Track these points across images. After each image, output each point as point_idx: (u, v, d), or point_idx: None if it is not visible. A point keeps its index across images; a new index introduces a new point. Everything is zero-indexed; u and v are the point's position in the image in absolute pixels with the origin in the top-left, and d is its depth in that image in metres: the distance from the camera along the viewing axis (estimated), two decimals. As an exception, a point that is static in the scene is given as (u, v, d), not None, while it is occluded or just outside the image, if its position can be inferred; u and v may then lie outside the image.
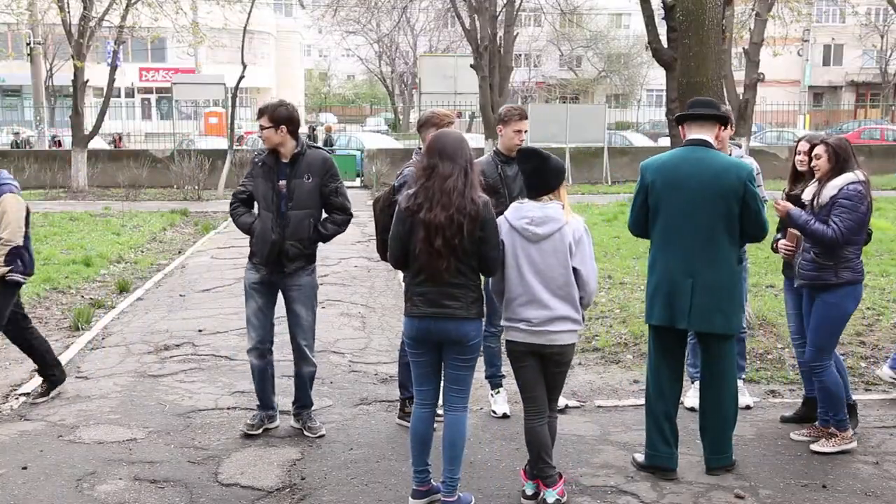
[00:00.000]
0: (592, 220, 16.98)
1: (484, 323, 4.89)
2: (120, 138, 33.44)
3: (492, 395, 6.44)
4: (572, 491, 5.05)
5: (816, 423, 5.83)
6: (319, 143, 28.31)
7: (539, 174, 4.78)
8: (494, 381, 6.44)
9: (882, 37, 50.80)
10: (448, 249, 4.50)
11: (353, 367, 7.55)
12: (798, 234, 5.75)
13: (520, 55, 50.68)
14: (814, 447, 5.62)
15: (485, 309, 4.88)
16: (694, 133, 5.24)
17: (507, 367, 6.01)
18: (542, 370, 4.85)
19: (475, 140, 30.62)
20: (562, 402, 6.41)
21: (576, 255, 4.70)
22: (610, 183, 25.75)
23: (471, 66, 24.38)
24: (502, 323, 4.95)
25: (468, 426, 4.88)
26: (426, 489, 4.83)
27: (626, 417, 6.29)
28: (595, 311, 9.37)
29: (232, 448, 5.72)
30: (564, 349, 4.80)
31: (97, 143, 26.14)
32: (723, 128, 5.44)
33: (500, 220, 4.78)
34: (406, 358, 5.91)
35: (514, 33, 25.00)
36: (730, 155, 6.31)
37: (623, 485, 5.16)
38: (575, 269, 4.70)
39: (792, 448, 5.73)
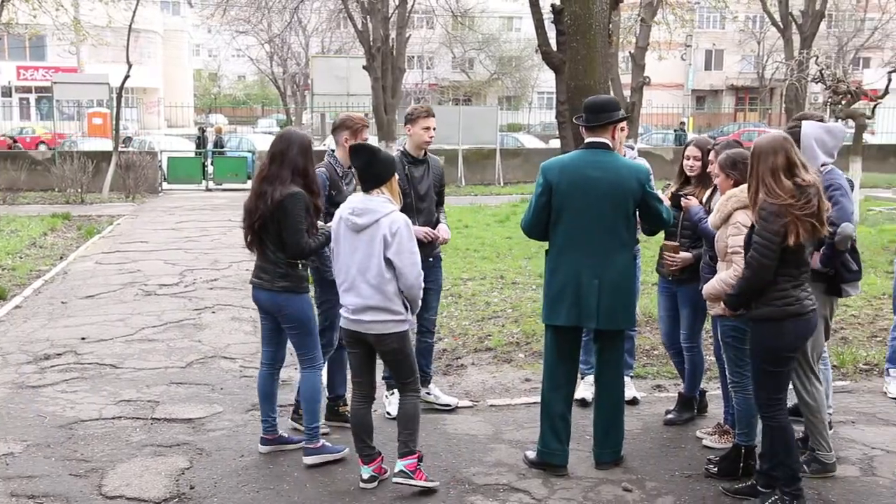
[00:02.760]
0: (485, 221, 17.14)
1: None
2: (14, 140, 31.84)
3: (386, 396, 6.42)
4: (465, 490, 5.09)
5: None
6: (210, 145, 27.83)
7: (370, 168, 5.02)
8: (390, 381, 6.43)
9: (759, 43, 52.93)
10: (250, 231, 5.31)
11: (243, 372, 7.42)
12: (676, 244, 5.96)
13: (412, 57, 50.80)
14: (706, 442, 5.81)
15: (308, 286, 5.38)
16: (593, 135, 5.33)
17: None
18: (372, 357, 5.18)
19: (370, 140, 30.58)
20: (452, 401, 6.50)
21: (391, 246, 4.92)
22: (502, 184, 26.07)
23: (363, 67, 24.36)
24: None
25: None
26: (271, 437, 5.60)
27: (518, 416, 6.37)
28: (488, 312, 9.47)
29: (117, 459, 5.54)
30: (381, 338, 5.02)
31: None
32: (616, 131, 5.45)
33: (336, 211, 5.18)
34: None
35: (407, 35, 25.08)
36: (624, 156, 6.47)
37: (515, 482, 5.22)
38: (390, 261, 4.92)
39: (677, 440, 5.90)
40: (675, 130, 34.70)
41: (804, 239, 4.52)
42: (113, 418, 6.27)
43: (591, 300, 5.22)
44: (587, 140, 5.36)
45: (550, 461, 5.35)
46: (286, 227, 5.19)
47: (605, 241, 5.22)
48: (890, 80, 17.34)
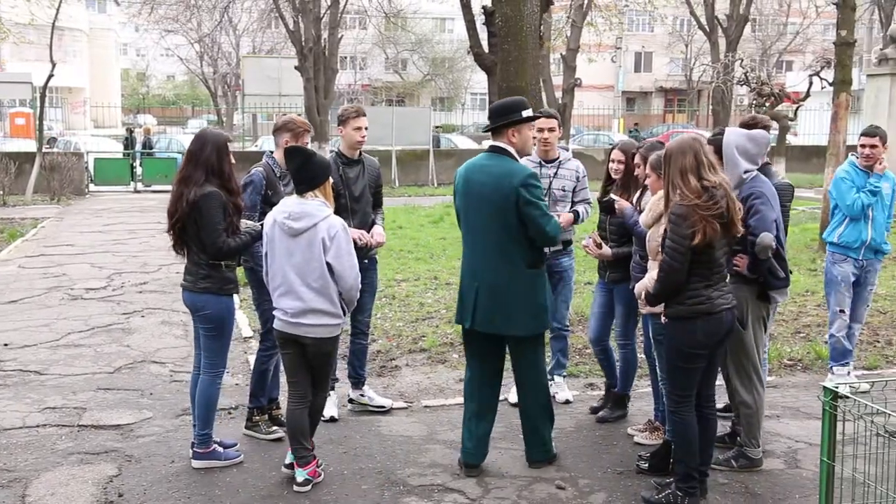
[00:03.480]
0: (419, 222, 17.16)
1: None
2: None
3: (362, 394, 6.47)
4: (400, 491, 5.09)
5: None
6: (138, 146, 27.30)
7: (304, 170, 5.03)
8: (353, 378, 6.48)
9: (686, 46, 53.95)
10: (173, 233, 5.27)
11: (174, 376, 7.29)
12: (597, 238, 6.04)
13: (345, 58, 50.56)
14: (637, 439, 5.90)
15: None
16: (493, 139, 5.35)
17: (339, 372, 6.01)
18: (305, 357, 5.12)
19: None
20: (386, 402, 6.49)
21: (330, 250, 4.95)
22: (436, 185, 26.11)
23: (295, 67, 24.16)
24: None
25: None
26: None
27: (452, 416, 6.37)
28: (422, 312, 9.47)
29: (42, 468, 5.39)
30: (319, 342, 5.06)
31: None
32: (515, 133, 5.27)
33: (269, 214, 5.13)
34: (260, 367, 5.86)
35: (339, 35, 24.95)
36: (557, 157, 6.51)
37: (449, 482, 5.23)
38: (329, 264, 4.94)
39: (609, 438, 5.98)
40: (630, 131, 35.24)
41: (713, 239, 4.59)
42: (37, 426, 6.11)
43: (469, 301, 5.30)
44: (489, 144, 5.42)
45: (463, 459, 5.41)
46: (203, 227, 5.14)
47: (484, 245, 5.24)
48: (811, 84, 17.84)
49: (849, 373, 6.97)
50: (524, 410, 5.48)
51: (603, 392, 6.64)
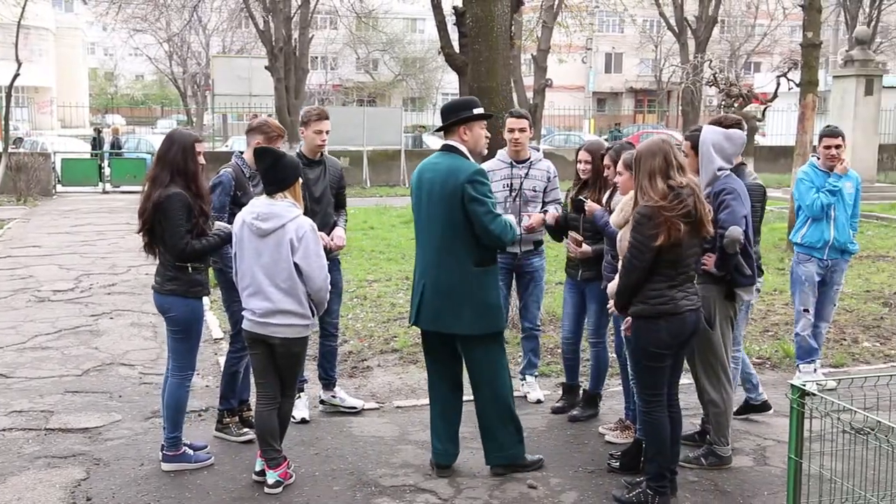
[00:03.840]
0: (391, 222, 17.12)
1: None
2: None
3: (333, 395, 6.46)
4: (371, 492, 5.08)
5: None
6: (106, 146, 27.03)
7: (274, 171, 5.02)
8: (324, 380, 6.46)
9: (656, 47, 54.29)
10: (143, 234, 5.25)
11: (143, 379, 7.24)
12: (578, 237, 6.05)
13: (316, 58, 50.34)
14: (608, 438, 5.92)
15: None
16: (445, 138, 5.36)
17: (309, 373, 6.01)
18: (274, 358, 5.07)
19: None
20: (358, 403, 6.48)
21: (298, 251, 4.93)
22: (407, 185, 26.05)
23: (266, 67, 24.07)
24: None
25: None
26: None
27: (424, 416, 6.32)
28: (393, 313, 9.46)
29: (8, 472, 5.32)
30: (287, 342, 5.03)
31: None
32: (466, 131, 5.26)
33: (238, 215, 5.12)
34: (231, 368, 5.82)
35: (310, 35, 24.89)
36: (528, 158, 6.54)
37: (421, 483, 5.23)
38: (298, 265, 4.92)
39: (580, 437, 6.00)
40: (610, 131, 35.50)
41: (678, 239, 4.60)
42: (3, 430, 6.03)
43: (416, 300, 5.32)
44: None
45: (434, 459, 5.41)
46: (166, 228, 5.13)
47: (433, 243, 5.24)
48: (779, 85, 18.03)
49: (815, 370, 7.05)
50: (478, 412, 5.42)
51: (561, 392, 6.67)
